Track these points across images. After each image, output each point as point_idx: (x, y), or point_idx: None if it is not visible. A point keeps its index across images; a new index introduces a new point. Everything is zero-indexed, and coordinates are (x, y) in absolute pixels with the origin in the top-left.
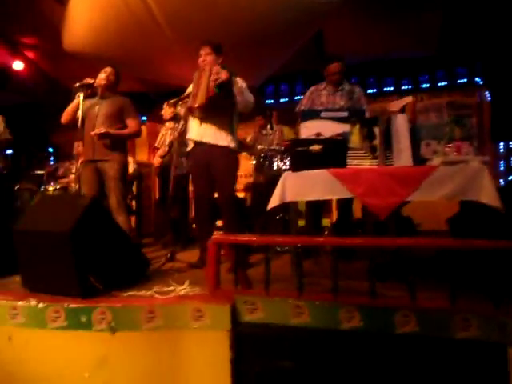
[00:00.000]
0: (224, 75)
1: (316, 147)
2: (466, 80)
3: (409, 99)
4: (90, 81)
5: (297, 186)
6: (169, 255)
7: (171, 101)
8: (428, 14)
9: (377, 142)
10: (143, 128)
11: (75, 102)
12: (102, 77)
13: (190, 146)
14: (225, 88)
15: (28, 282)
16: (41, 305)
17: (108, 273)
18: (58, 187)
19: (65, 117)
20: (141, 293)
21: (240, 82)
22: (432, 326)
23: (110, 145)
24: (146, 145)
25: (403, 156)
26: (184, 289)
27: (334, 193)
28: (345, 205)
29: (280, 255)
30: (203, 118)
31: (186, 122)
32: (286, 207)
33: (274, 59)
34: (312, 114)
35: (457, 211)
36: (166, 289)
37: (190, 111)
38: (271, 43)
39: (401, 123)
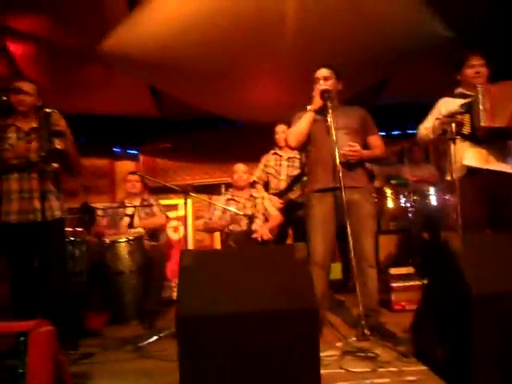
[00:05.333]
0: None
1: None
2: None
3: None
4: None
5: None
6: None
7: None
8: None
9: None
10: (132, 164)
11: (309, 116)
12: (328, 81)
13: (457, 173)
14: None
15: None
16: None
17: None
18: (130, 237)
19: (299, 137)
20: None
21: None
22: None
23: (359, 168)
24: None
25: None
26: None
27: None
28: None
29: None
30: (488, 142)
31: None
32: None
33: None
34: None
35: None
36: None
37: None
38: (371, 70)
39: None
